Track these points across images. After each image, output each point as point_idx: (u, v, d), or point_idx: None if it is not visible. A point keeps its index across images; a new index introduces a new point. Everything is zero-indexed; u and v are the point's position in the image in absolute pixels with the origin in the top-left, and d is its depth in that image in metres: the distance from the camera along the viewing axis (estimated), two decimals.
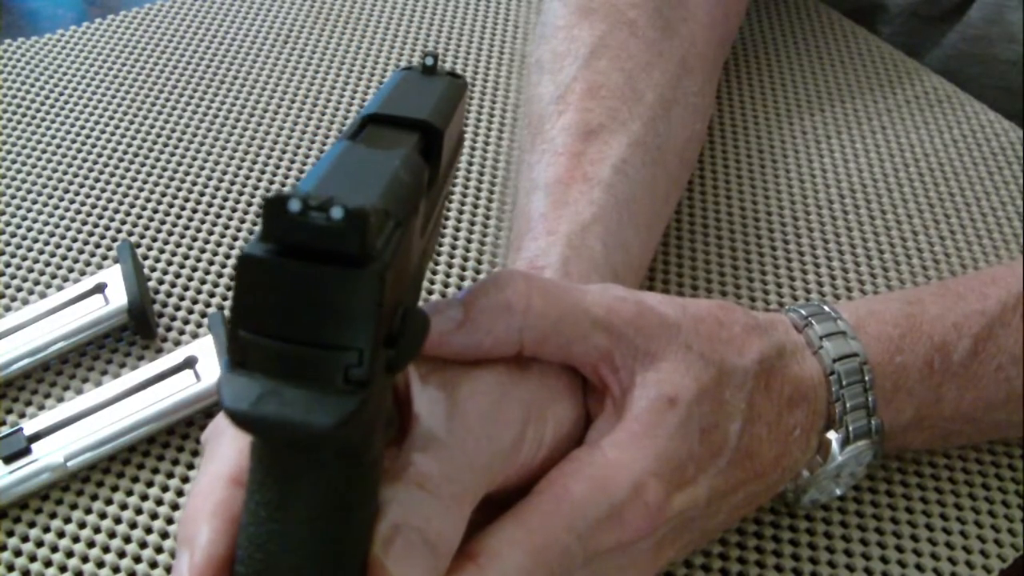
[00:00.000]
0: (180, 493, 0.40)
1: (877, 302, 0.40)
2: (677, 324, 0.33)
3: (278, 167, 0.54)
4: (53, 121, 0.56)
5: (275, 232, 0.23)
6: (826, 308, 0.38)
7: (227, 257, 0.50)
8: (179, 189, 0.53)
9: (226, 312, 0.47)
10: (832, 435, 0.36)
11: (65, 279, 0.48)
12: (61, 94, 0.58)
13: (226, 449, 0.29)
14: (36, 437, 0.40)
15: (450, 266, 0.50)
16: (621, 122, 0.45)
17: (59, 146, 0.55)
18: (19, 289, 0.48)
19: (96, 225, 0.51)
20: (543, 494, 0.30)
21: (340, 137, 0.27)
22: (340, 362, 0.23)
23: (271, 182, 0.54)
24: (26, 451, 0.39)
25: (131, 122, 0.57)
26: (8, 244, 0.50)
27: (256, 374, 0.23)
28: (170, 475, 0.41)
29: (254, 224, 0.51)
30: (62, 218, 0.51)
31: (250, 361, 0.23)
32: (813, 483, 0.37)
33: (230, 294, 0.48)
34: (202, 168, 0.54)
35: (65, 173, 0.53)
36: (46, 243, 0.50)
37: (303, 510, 0.25)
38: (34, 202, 0.52)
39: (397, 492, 0.27)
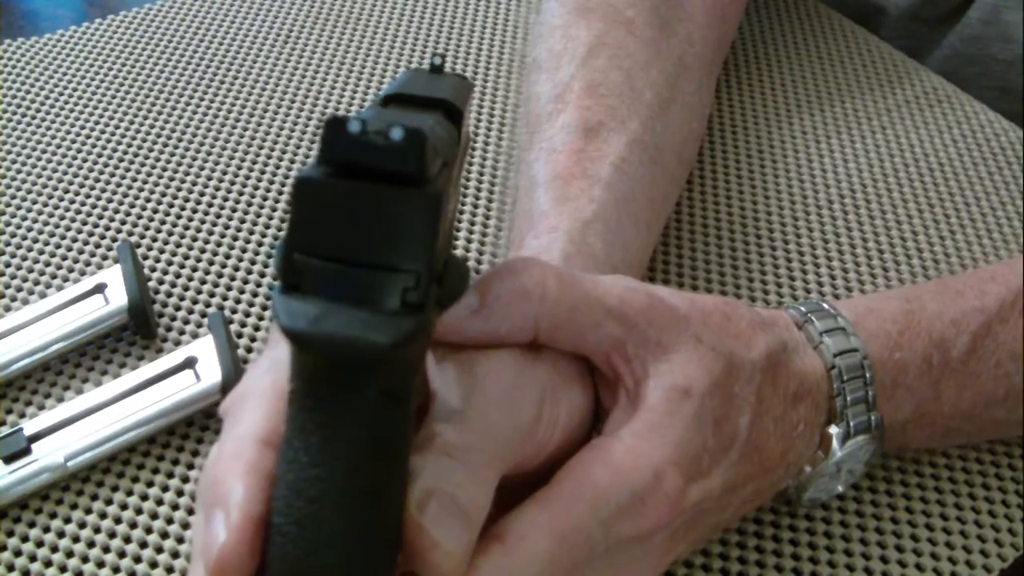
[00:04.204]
0: (180, 493, 0.40)
1: (876, 300, 0.40)
2: (687, 317, 0.33)
3: (278, 167, 0.54)
4: (53, 121, 0.56)
5: (333, 153, 0.23)
6: (825, 305, 0.38)
7: (227, 257, 0.50)
8: (179, 189, 0.53)
9: (226, 312, 0.47)
10: (833, 429, 0.36)
11: (65, 279, 0.48)
12: (61, 94, 0.58)
13: (252, 412, 0.29)
14: (36, 437, 0.40)
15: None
16: (620, 120, 0.45)
17: (59, 146, 0.55)
18: (19, 289, 0.48)
19: (96, 225, 0.51)
20: (566, 481, 0.30)
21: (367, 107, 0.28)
22: (397, 284, 0.23)
23: (271, 182, 0.54)
24: (26, 451, 0.39)
25: (131, 122, 0.57)
26: (8, 244, 0.50)
27: (311, 296, 0.23)
28: (170, 475, 0.41)
29: (254, 224, 0.51)
30: (62, 218, 0.51)
31: (305, 284, 0.24)
32: (814, 479, 0.37)
33: (230, 294, 0.48)
34: (202, 168, 0.54)
35: (65, 173, 0.53)
36: (46, 243, 0.50)
37: (346, 454, 0.25)
38: (34, 202, 0.52)
39: (426, 460, 0.27)
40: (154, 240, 0.50)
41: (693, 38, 0.51)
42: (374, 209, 0.23)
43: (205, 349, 0.43)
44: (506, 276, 0.31)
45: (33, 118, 0.56)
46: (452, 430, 0.28)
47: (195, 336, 0.46)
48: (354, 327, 0.23)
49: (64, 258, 0.49)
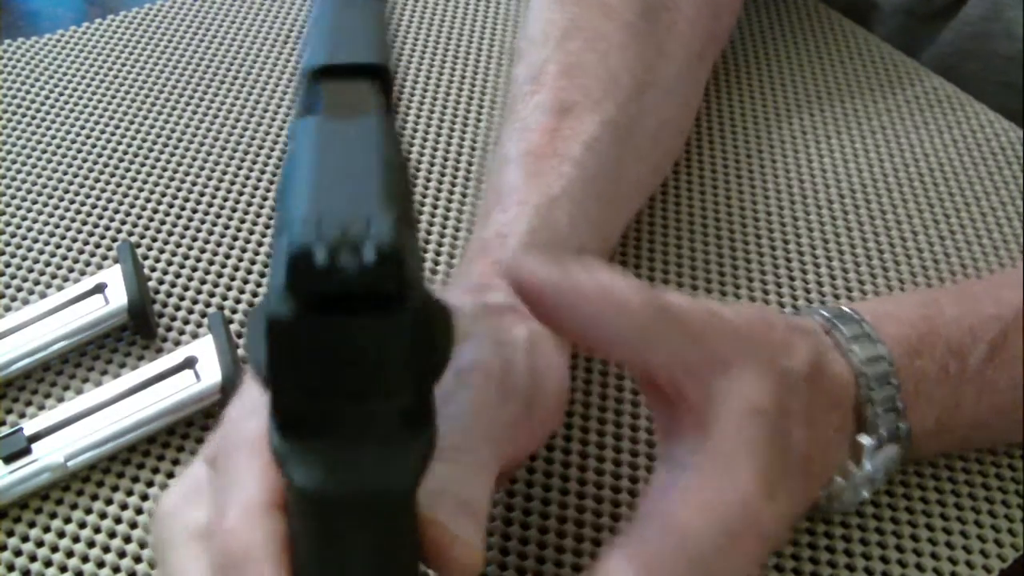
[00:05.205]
0: None
1: (893, 303, 0.39)
2: (741, 330, 0.32)
3: (278, 167, 0.54)
4: (53, 121, 0.56)
5: (303, 288, 0.21)
6: (847, 310, 0.37)
7: (227, 257, 0.50)
8: (179, 189, 0.53)
9: (226, 312, 0.47)
10: (864, 439, 0.35)
11: (65, 279, 0.48)
12: (61, 94, 0.58)
13: (247, 474, 0.27)
14: (36, 437, 0.40)
15: (441, 263, 0.50)
16: (594, 100, 0.45)
17: (59, 146, 0.55)
18: (19, 289, 0.48)
19: (96, 225, 0.51)
20: (653, 524, 0.29)
21: (299, 110, 0.25)
22: (397, 407, 0.22)
23: (271, 182, 0.54)
24: (26, 451, 0.39)
25: (131, 122, 0.57)
26: (8, 244, 0.50)
27: (313, 440, 0.23)
28: (170, 475, 0.41)
29: (254, 224, 0.51)
30: (62, 218, 0.51)
31: (304, 428, 0.23)
32: (846, 489, 0.36)
33: (230, 294, 0.48)
34: (202, 168, 0.54)
35: (65, 173, 0.53)
36: (46, 243, 0.50)
37: (360, 556, 0.25)
38: (34, 202, 0.52)
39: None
40: (154, 240, 0.50)
41: (676, 26, 0.51)
42: (359, 339, 0.21)
43: (205, 349, 0.43)
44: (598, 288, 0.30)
45: (33, 118, 0.56)
46: (448, 434, 0.28)
47: (195, 336, 0.46)
48: (371, 475, 0.22)
49: (64, 258, 0.49)
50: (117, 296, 0.45)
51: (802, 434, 0.32)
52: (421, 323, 0.22)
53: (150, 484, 0.40)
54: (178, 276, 0.48)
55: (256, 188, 0.53)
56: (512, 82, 0.48)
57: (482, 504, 0.28)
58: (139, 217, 0.51)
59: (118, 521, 0.39)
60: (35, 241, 0.50)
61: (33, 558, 0.38)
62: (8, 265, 0.49)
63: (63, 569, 0.38)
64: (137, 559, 0.38)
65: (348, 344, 0.21)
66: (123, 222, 0.51)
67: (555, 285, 0.29)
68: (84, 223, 0.51)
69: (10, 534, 0.39)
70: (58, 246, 0.50)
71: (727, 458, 0.30)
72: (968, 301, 0.39)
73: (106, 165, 0.54)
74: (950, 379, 0.37)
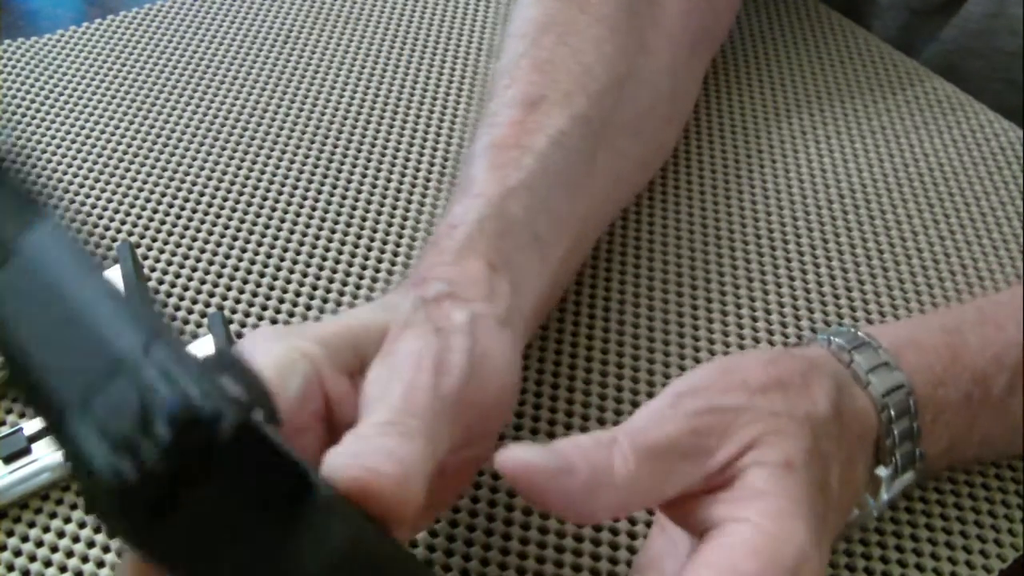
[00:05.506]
0: None
1: (915, 328, 0.39)
2: (753, 410, 0.31)
3: (278, 167, 0.54)
4: (53, 121, 0.56)
5: (134, 507, 0.19)
6: (862, 335, 0.36)
7: (227, 257, 0.50)
8: (179, 189, 0.53)
9: (226, 312, 0.47)
10: (882, 471, 0.35)
11: None
12: (61, 94, 0.58)
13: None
14: (36, 437, 0.40)
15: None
16: (564, 93, 0.45)
17: (59, 146, 0.55)
18: None
19: (96, 225, 0.51)
20: (722, 569, 0.29)
21: None
22: (277, 510, 0.22)
23: (271, 182, 0.54)
24: (26, 451, 0.39)
25: (131, 122, 0.57)
26: None
27: None
28: None
29: (253, 224, 0.51)
30: (62, 218, 0.51)
31: None
32: (863, 520, 0.36)
33: (230, 294, 0.48)
34: (202, 168, 0.54)
35: (65, 173, 0.53)
36: None
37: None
38: None
39: (345, 445, 0.28)
40: (154, 240, 0.50)
41: (664, 21, 0.51)
42: (210, 500, 0.20)
43: (205, 349, 0.43)
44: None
45: (33, 118, 0.56)
46: (374, 414, 0.29)
47: (195, 336, 0.46)
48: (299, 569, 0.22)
49: None
50: None
51: (838, 471, 0.32)
52: (233, 436, 0.20)
53: None
54: (178, 276, 0.48)
55: (256, 188, 0.53)
56: (489, 79, 0.48)
57: (408, 454, 0.27)
58: (139, 217, 0.51)
59: None
60: None
61: (33, 558, 0.38)
62: None
63: (63, 569, 0.38)
64: None
65: (206, 510, 0.21)
66: (123, 222, 0.51)
67: (547, 473, 0.29)
68: (84, 223, 0.51)
69: (10, 534, 0.39)
70: None
71: (780, 509, 0.29)
72: (991, 327, 0.38)
73: (106, 165, 0.54)
74: (972, 406, 0.37)
